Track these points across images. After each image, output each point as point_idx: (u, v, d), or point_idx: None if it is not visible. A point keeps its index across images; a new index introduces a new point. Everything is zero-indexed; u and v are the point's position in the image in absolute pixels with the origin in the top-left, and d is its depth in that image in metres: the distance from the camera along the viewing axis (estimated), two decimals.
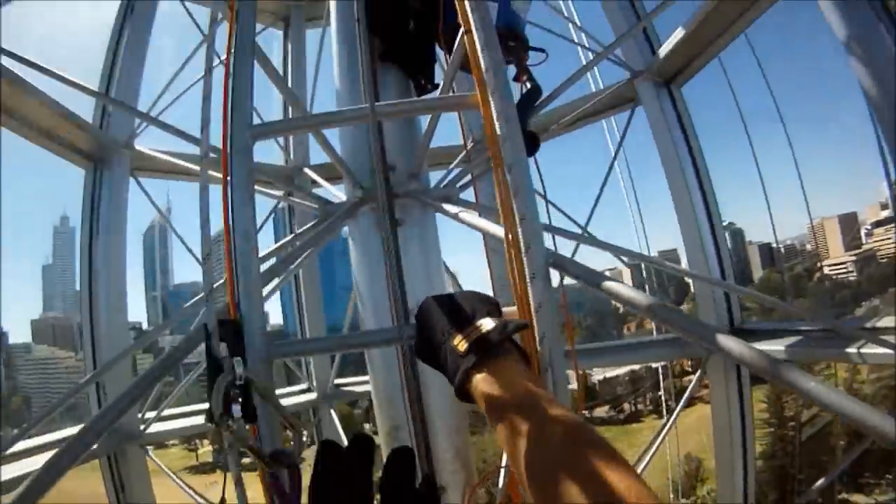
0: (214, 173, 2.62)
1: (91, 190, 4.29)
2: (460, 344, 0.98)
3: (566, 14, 4.79)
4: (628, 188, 5.86)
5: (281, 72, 5.61)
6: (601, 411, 31.56)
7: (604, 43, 4.25)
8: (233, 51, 1.40)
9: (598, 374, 29.94)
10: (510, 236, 1.23)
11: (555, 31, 4.59)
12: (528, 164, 1.32)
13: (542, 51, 2.62)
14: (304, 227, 2.74)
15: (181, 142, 3.92)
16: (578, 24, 4.79)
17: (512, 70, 2.62)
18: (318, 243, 2.17)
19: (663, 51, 4.09)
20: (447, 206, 2.08)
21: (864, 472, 20.74)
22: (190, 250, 4.26)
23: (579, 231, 4.08)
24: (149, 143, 4.43)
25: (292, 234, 2.87)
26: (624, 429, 28.98)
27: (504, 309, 1.18)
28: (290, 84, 5.50)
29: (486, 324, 1.00)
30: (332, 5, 2.67)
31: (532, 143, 2.50)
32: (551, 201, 3.86)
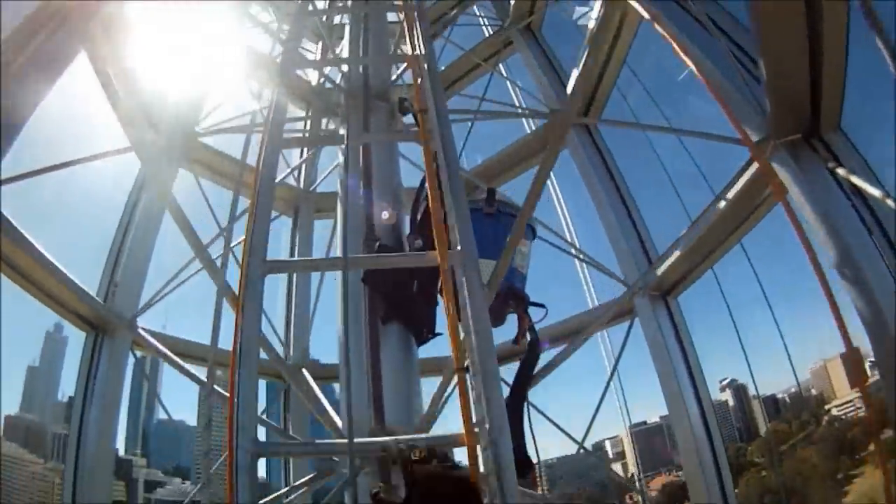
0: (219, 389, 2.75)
1: (90, 355, 4.00)
2: None
3: (569, 239, 5.15)
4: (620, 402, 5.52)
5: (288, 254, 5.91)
6: None
7: (598, 260, 4.53)
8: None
9: None
10: None
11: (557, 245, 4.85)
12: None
13: (542, 306, 2.77)
14: (302, 480, 2.81)
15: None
16: (583, 256, 5.03)
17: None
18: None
19: (661, 268, 4.18)
20: None
21: None
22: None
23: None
24: (154, 320, 4.34)
25: (289, 487, 3.02)
26: None
27: None
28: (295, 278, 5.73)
29: None
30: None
31: (524, 466, 2.53)
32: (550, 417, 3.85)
